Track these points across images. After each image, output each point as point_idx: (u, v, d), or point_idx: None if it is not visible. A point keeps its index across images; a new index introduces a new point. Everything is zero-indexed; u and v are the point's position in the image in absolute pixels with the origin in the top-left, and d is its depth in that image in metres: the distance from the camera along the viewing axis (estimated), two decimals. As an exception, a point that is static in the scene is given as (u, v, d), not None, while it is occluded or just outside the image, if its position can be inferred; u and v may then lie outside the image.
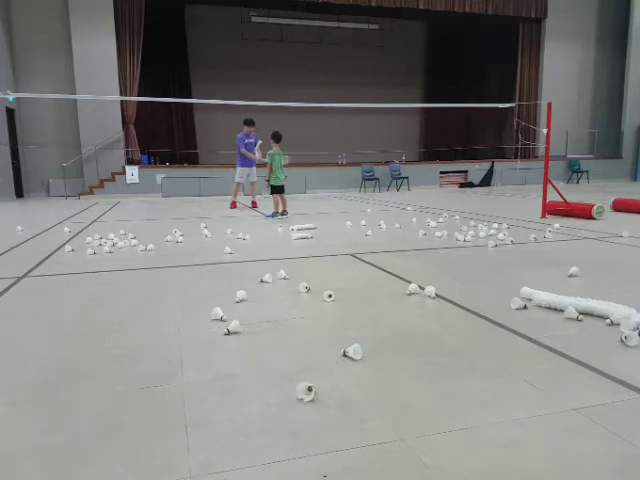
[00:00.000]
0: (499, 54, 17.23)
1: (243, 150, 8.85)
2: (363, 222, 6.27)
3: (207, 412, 1.62)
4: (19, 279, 3.57)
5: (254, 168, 9.14)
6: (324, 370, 1.92)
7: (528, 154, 15.71)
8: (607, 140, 16.80)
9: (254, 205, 9.27)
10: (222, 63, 16.09)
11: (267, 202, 9.09)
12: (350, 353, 2.02)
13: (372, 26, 17.00)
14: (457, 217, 6.83)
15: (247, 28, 16.21)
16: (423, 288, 2.96)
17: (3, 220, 7.81)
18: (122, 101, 12.74)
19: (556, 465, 1.31)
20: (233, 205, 9.19)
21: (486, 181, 15.29)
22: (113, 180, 12.62)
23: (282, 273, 3.41)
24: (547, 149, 6.70)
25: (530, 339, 2.20)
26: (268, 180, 7.36)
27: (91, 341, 2.29)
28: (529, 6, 15.41)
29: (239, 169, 9.08)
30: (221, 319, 2.50)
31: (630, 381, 1.78)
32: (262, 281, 3.30)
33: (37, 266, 4.03)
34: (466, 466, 1.31)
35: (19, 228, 6.30)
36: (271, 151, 7.29)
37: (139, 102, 13.10)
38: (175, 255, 4.45)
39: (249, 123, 8.88)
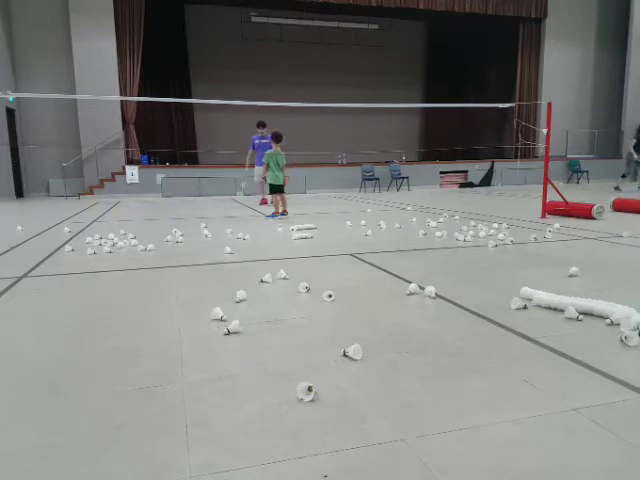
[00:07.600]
0: (499, 54, 17.23)
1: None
2: (363, 222, 6.27)
3: (207, 412, 1.61)
4: (19, 279, 3.57)
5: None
6: (324, 370, 1.92)
7: (528, 154, 15.71)
8: (607, 140, 16.79)
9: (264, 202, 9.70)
10: (222, 63, 16.09)
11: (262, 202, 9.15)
12: (350, 353, 2.02)
13: (372, 26, 17.02)
14: (457, 217, 6.83)
15: (247, 28, 16.22)
16: (423, 288, 2.96)
17: (3, 220, 7.81)
18: (122, 101, 12.75)
19: (556, 465, 1.31)
20: (264, 202, 9.63)
21: (486, 181, 15.29)
22: (113, 180, 12.63)
23: (282, 273, 3.42)
24: (547, 149, 6.69)
25: (530, 339, 2.20)
26: (264, 179, 7.76)
27: (91, 341, 2.29)
28: (529, 6, 15.42)
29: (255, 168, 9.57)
30: (221, 319, 2.50)
31: (630, 381, 1.78)
32: (262, 281, 3.30)
33: (37, 266, 4.03)
34: (466, 466, 1.31)
35: (19, 228, 6.30)
36: (269, 151, 7.34)
37: (139, 102, 13.11)
38: (175, 255, 4.45)
39: (261, 125, 9.42)
